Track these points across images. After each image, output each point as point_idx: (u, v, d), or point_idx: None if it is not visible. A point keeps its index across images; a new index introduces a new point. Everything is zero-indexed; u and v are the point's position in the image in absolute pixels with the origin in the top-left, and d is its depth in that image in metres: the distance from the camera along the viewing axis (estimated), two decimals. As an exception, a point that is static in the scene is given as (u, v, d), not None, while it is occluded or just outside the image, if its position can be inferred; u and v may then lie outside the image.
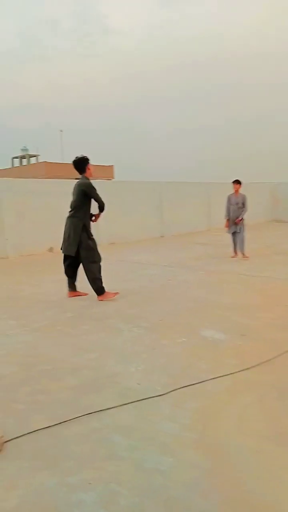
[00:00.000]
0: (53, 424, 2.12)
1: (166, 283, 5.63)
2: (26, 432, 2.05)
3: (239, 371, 2.69)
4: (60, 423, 2.13)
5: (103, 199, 4.66)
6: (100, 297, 4.72)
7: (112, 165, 33.39)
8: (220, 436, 2.00)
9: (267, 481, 1.68)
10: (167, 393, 2.42)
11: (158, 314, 4.13)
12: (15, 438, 2.00)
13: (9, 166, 38.67)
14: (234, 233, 7.84)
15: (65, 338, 3.52)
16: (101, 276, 4.72)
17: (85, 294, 4.94)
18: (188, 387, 2.49)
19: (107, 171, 31.98)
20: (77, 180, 4.78)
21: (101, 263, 4.77)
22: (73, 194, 4.77)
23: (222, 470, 1.76)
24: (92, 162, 4.84)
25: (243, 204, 7.74)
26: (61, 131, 49.78)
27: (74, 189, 4.77)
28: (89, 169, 4.74)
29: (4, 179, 9.87)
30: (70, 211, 4.77)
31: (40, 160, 35.68)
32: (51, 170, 28.21)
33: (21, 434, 2.03)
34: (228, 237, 7.96)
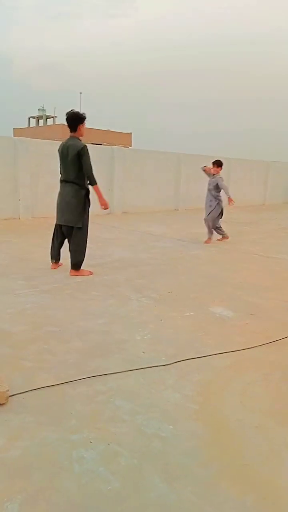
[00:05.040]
0: (58, 383, 2.17)
1: (178, 257, 5.58)
2: (32, 389, 2.10)
3: (245, 349, 2.69)
4: (66, 382, 2.18)
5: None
6: (75, 273, 4.41)
7: (130, 133, 32.59)
8: (221, 409, 2.01)
9: (265, 456, 1.70)
10: (171, 363, 2.44)
11: (168, 286, 4.12)
12: (21, 393, 2.06)
13: (25, 125, 38.03)
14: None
15: (74, 302, 3.55)
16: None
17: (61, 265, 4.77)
18: (193, 359, 2.51)
19: (125, 139, 31.24)
20: (67, 141, 4.33)
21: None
22: (64, 157, 4.32)
23: (222, 442, 1.78)
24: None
25: (216, 188, 6.53)
26: (80, 93, 48.50)
27: (63, 151, 4.32)
28: (80, 129, 4.28)
29: (22, 138, 9.67)
30: (65, 177, 4.37)
31: (57, 122, 34.97)
32: (67, 133, 27.61)
33: (27, 390, 2.08)
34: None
